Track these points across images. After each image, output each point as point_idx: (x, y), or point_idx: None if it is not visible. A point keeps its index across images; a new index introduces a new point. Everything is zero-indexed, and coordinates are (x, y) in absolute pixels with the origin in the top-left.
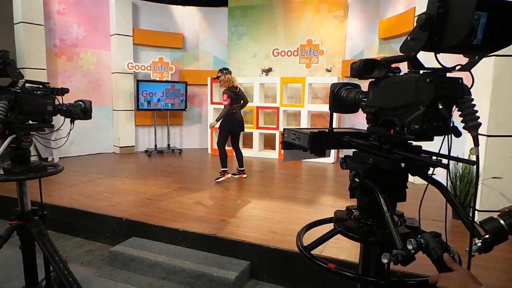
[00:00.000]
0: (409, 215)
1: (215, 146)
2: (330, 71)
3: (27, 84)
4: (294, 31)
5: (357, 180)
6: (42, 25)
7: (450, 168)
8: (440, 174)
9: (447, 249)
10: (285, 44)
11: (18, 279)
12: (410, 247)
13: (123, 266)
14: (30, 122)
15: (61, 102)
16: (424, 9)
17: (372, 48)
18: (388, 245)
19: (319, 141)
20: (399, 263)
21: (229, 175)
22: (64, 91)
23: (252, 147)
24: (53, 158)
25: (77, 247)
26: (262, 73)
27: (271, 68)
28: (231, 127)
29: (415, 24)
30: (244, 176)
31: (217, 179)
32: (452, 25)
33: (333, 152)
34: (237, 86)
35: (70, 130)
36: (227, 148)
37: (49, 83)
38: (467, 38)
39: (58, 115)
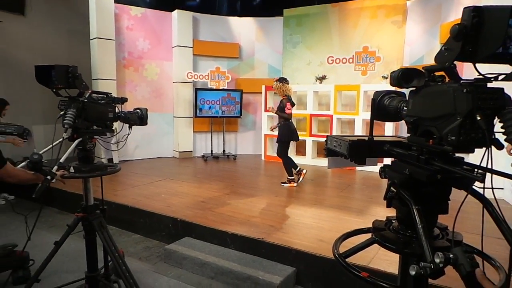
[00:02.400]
0: (461, 229)
1: (269, 153)
2: (386, 78)
3: (93, 94)
4: (349, 38)
5: (394, 190)
6: (114, 39)
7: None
8: (507, 189)
9: (478, 265)
10: (340, 51)
11: (81, 264)
12: (437, 260)
13: (176, 263)
14: (94, 127)
15: (120, 110)
16: None
17: (432, 54)
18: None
19: (358, 149)
20: (428, 276)
21: (295, 185)
22: (123, 100)
23: (305, 155)
24: (112, 159)
25: (137, 243)
26: (316, 80)
27: (325, 76)
28: (290, 137)
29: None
30: (295, 185)
31: (283, 183)
32: (486, 35)
33: (387, 161)
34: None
35: (128, 134)
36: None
37: (111, 93)
38: (502, 48)
39: (119, 121)
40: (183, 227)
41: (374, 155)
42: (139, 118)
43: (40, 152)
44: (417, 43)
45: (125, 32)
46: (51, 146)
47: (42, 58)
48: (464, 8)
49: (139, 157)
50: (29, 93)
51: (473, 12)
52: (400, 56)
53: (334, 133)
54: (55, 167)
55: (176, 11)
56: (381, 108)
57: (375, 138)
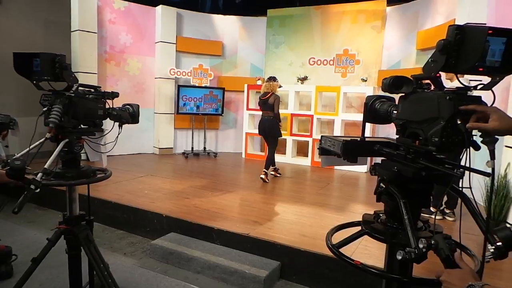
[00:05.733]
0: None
1: (250, 151)
2: (365, 80)
3: (80, 88)
4: (331, 41)
5: (383, 186)
6: (96, 32)
7: (484, 182)
8: (477, 188)
9: (455, 250)
10: (322, 53)
11: (63, 282)
12: (421, 245)
13: (162, 258)
14: (82, 126)
15: (111, 106)
16: (464, 21)
17: (409, 59)
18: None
19: (351, 149)
20: (412, 261)
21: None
22: (114, 95)
23: (285, 153)
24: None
25: (121, 239)
26: (298, 81)
27: (307, 77)
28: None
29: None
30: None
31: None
32: (467, 50)
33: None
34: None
35: (118, 134)
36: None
37: (100, 87)
38: (480, 61)
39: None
40: (168, 223)
41: (365, 154)
42: (130, 115)
43: (18, 155)
44: (395, 48)
45: (108, 25)
46: (28, 149)
47: (18, 48)
48: (449, 26)
49: (119, 153)
50: (2, 83)
51: (456, 30)
52: (378, 60)
53: (314, 133)
54: (40, 174)
55: (160, 6)
56: (372, 111)
57: (366, 139)
